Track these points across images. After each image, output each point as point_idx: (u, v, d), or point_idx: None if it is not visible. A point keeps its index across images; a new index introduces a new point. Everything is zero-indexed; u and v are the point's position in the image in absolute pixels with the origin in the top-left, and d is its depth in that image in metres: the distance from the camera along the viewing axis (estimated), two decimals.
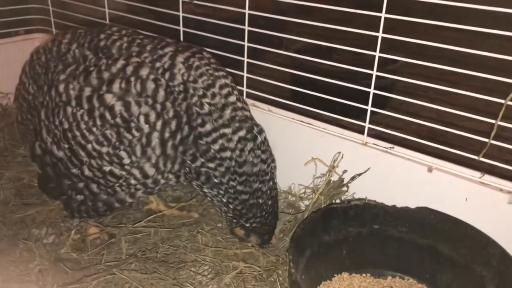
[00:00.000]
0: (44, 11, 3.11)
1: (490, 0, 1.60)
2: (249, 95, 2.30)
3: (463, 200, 1.76)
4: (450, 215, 1.73)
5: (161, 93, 1.63)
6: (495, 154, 1.70)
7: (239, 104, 1.75)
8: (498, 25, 1.54)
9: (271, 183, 1.80)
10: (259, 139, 1.75)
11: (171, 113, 1.63)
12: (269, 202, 1.82)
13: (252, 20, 2.13)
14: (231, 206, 1.80)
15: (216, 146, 1.68)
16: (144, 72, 1.64)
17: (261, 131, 1.79)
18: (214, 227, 2.09)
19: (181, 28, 2.38)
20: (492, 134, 1.64)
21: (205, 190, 1.78)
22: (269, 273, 1.82)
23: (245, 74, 2.24)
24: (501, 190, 1.68)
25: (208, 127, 1.67)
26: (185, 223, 2.11)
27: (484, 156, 1.69)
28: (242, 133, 1.71)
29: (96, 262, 1.85)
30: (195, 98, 1.67)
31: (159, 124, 1.62)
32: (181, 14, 2.35)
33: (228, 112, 1.70)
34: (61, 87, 1.72)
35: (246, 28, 2.14)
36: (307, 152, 2.12)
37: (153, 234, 2.02)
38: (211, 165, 1.70)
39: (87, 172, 1.75)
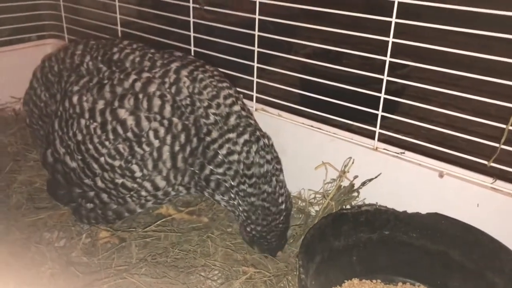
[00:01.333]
0: (56, 17, 3.15)
1: (501, 4, 1.59)
2: (258, 100, 2.30)
3: (474, 206, 1.74)
4: (461, 221, 1.72)
5: (168, 109, 1.66)
6: (507, 159, 1.69)
7: (244, 113, 1.78)
8: (509, 29, 1.53)
9: (274, 181, 1.79)
10: (262, 141, 1.76)
11: (179, 127, 1.66)
12: (273, 209, 1.81)
13: (262, 25, 2.14)
14: (240, 208, 1.81)
15: (224, 151, 1.70)
16: (151, 88, 1.68)
17: (264, 135, 1.82)
18: (224, 232, 2.09)
19: (192, 34, 2.40)
20: (503, 139, 1.62)
21: (217, 198, 1.81)
22: (279, 278, 1.82)
23: (255, 79, 2.25)
24: None
25: (214, 134, 1.70)
26: (195, 228, 2.12)
27: (496, 162, 1.68)
28: (246, 136, 1.73)
29: (107, 266, 1.86)
30: (201, 110, 1.70)
31: (168, 138, 1.66)
32: (191, 19, 2.36)
33: (232, 119, 1.73)
34: (75, 99, 1.75)
35: (256, 33, 2.15)
36: (317, 157, 2.12)
37: (163, 238, 2.03)
38: (220, 170, 1.72)
39: (100, 183, 1.78)
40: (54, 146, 1.85)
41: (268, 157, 1.77)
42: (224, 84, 1.80)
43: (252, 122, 1.80)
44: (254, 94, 2.28)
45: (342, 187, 2.04)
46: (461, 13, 1.63)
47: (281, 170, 1.85)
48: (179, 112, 1.67)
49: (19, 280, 1.78)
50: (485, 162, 1.70)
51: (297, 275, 1.57)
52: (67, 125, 1.78)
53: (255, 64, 2.22)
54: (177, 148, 1.67)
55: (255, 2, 2.10)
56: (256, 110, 2.29)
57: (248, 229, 1.87)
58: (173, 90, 1.69)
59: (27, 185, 2.35)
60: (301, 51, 3.31)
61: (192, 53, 2.44)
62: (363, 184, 1.99)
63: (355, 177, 2.01)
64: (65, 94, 1.82)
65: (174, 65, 1.76)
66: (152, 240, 2.02)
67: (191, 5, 2.35)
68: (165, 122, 1.65)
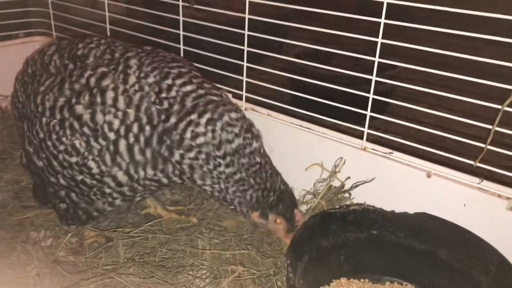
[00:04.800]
0: (44, 14, 3.12)
1: (490, 6, 1.61)
2: (248, 100, 2.30)
3: (461, 205, 1.76)
4: (448, 221, 1.73)
5: (121, 101, 1.64)
6: (494, 160, 1.71)
7: (201, 91, 1.72)
8: (497, 31, 1.55)
9: (248, 151, 1.73)
10: (227, 116, 1.70)
11: (132, 118, 1.64)
12: (261, 169, 1.76)
13: (252, 24, 2.14)
14: (230, 191, 1.76)
15: (188, 134, 1.65)
16: (106, 82, 1.66)
17: (232, 109, 1.74)
18: (212, 230, 2.08)
19: (181, 32, 2.39)
20: (489, 140, 1.64)
21: (199, 182, 1.75)
22: (267, 277, 1.82)
23: (244, 79, 2.25)
24: (499, 196, 1.68)
25: (173, 119, 1.65)
26: (183, 227, 2.11)
27: (483, 162, 1.69)
28: (208, 115, 1.68)
29: (94, 265, 1.85)
30: (151, 95, 1.66)
31: (122, 131, 1.63)
32: (181, 18, 2.36)
33: (189, 101, 1.68)
34: (39, 99, 1.74)
35: (246, 32, 2.14)
36: (306, 156, 2.12)
37: (151, 238, 2.02)
38: (191, 154, 1.68)
39: (62, 181, 1.77)
40: (24, 146, 1.85)
41: (236, 130, 1.71)
42: (175, 64, 1.75)
43: (215, 98, 1.73)
44: (244, 93, 2.28)
45: (332, 187, 2.05)
46: (450, 15, 1.64)
47: (253, 138, 1.77)
48: (130, 102, 1.64)
49: (4, 279, 1.75)
50: (473, 163, 1.72)
51: (285, 274, 1.57)
52: (32, 124, 1.77)
53: (245, 64, 2.21)
54: (131, 139, 1.64)
55: (245, 1, 2.09)
56: (245, 109, 2.29)
57: (254, 200, 1.79)
58: (122, 79, 1.67)
59: (14, 184, 2.33)
60: (291, 51, 3.31)
61: (182, 52, 2.43)
62: (356, 186, 2.00)
63: (347, 178, 2.02)
64: (34, 95, 1.81)
65: (130, 54, 1.74)
66: (140, 239, 2.00)
67: (180, 3, 2.34)
68: (119, 113, 1.63)
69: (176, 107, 1.66)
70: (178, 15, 2.36)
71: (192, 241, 2.00)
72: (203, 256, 1.92)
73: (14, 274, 1.79)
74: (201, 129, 1.66)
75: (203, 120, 1.67)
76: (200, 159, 1.69)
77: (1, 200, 2.21)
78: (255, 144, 1.77)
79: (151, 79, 1.68)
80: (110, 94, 1.64)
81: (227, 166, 1.71)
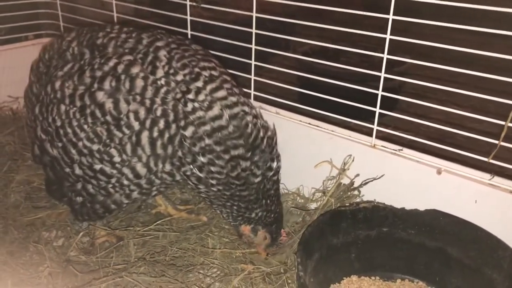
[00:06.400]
0: (53, 16, 3.14)
1: (499, 1, 1.59)
2: (256, 98, 2.30)
3: (472, 202, 1.74)
4: (459, 218, 1.72)
5: (150, 91, 1.60)
6: (506, 156, 1.69)
7: (234, 99, 1.66)
8: (506, 26, 1.53)
9: (269, 184, 1.75)
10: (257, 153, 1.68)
11: (159, 112, 1.60)
12: (276, 191, 1.80)
13: (260, 23, 2.14)
14: (232, 207, 1.78)
15: (205, 159, 1.64)
16: (134, 70, 1.63)
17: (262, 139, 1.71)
18: (222, 229, 2.09)
19: (189, 32, 2.40)
20: (502, 135, 1.63)
21: (201, 187, 1.75)
22: (278, 275, 1.82)
23: (252, 77, 2.24)
24: (511, 192, 1.67)
25: (189, 131, 1.61)
26: (193, 226, 2.12)
27: (494, 158, 1.68)
28: (235, 151, 1.64)
29: (105, 265, 1.86)
30: (178, 94, 1.62)
31: (148, 123, 1.60)
32: (188, 17, 2.36)
33: (216, 109, 1.62)
34: (57, 84, 1.71)
35: (254, 31, 2.14)
36: (315, 154, 2.12)
37: (161, 237, 2.03)
38: (202, 175, 1.68)
39: (77, 170, 1.73)
40: (36, 133, 1.81)
41: (259, 170, 1.70)
42: (206, 64, 1.70)
43: (246, 110, 1.68)
44: (252, 92, 2.28)
45: (342, 184, 2.04)
46: (459, 10, 1.63)
47: (278, 160, 1.78)
48: (157, 93, 1.61)
49: (17, 279, 1.77)
50: (484, 159, 1.70)
51: (295, 272, 1.58)
52: (47, 110, 1.74)
53: (253, 62, 2.21)
54: (156, 134, 1.61)
55: None
56: None
57: (253, 215, 1.81)
58: (149, 70, 1.63)
59: (25, 185, 2.35)
60: (299, 49, 3.30)
61: None
62: (365, 183, 1.99)
63: (357, 175, 2.01)
64: (50, 78, 1.78)
65: (156, 44, 1.71)
66: (150, 238, 2.01)
67: (188, 3, 2.34)
68: (147, 101, 1.59)
69: (199, 113, 1.61)
70: (186, 14, 2.36)
71: (202, 240, 2.01)
72: (213, 254, 1.92)
73: (26, 274, 1.81)
74: (220, 163, 1.64)
75: (227, 156, 1.64)
76: (212, 185, 1.69)
77: (13, 201, 2.23)
78: (278, 169, 1.78)
79: (179, 77, 1.64)
80: (139, 83, 1.60)
81: (241, 191, 1.71)
